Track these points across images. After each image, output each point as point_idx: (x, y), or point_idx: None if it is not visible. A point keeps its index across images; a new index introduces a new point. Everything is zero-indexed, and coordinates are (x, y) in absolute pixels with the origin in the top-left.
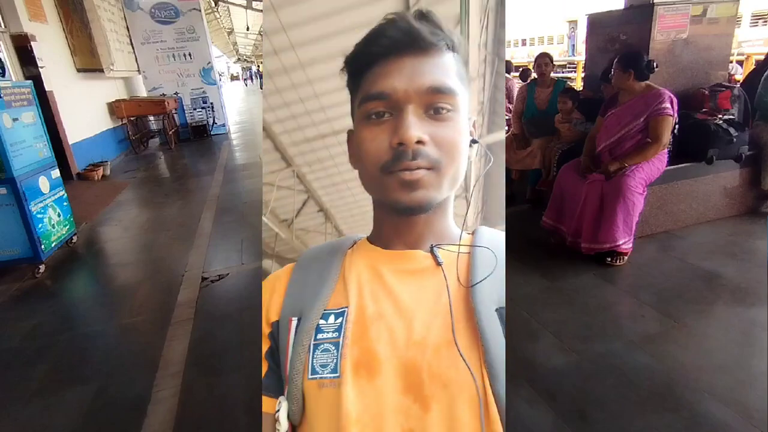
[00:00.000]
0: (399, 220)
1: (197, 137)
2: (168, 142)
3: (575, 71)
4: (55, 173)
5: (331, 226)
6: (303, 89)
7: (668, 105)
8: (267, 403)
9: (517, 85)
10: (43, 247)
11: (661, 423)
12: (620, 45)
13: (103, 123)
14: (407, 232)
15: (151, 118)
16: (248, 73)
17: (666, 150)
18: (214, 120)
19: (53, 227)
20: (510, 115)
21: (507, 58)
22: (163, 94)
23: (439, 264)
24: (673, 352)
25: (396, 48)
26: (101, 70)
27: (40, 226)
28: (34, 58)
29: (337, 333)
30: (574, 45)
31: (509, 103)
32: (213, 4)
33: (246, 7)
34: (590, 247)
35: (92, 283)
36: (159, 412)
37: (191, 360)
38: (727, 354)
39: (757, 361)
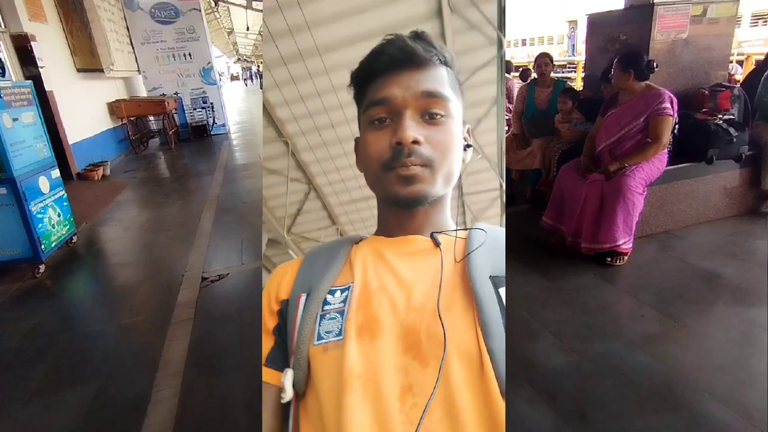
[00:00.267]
0: (400, 212)
1: (197, 137)
2: (168, 142)
3: (575, 71)
4: (55, 173)
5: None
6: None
7: (668, 105)
8: (270, 375)
9: (517, 85)
10: (43, 247)
11: (661, 423)
12: (620, 45)
13: (103, 123)
14: (408, 223)
15: (151, 118)
16: (248, 73)
17: (666, 150)
18: (214, 120)
19: (53, 227)
20: (510, 115)
21: (507, 58)
22: (163, 94)
23: (437, 245)
24: (673, 352)
25: (394, 63)
26: (101, 70)
27: (40, 226)
28: (34, 58)
29: (343, 303)
30: (574, 45)
31: (509, 103)
32: (213, 4)
33: (246, 7)
34: (590, 247)
35: (92, 283)
36: (159, 412)
37: (191, 360)
38: (727, 354)
39: (757, 361)
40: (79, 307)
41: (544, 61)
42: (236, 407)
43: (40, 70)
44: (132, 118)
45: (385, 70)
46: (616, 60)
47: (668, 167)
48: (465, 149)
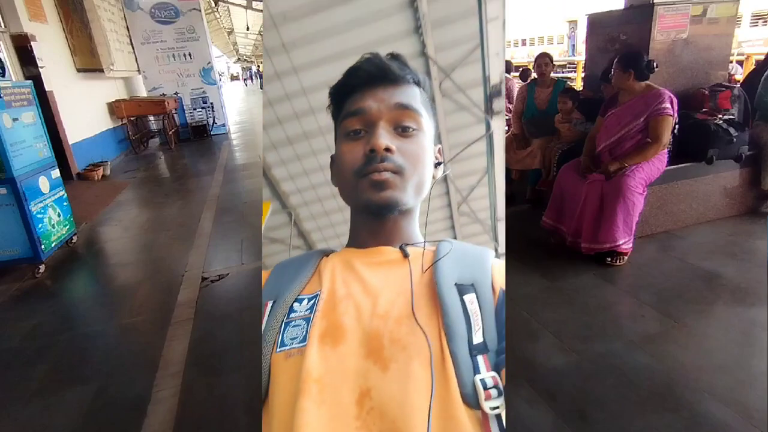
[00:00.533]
0: (372, 222)
1: (197, 137)
2: (168, 142)
3: (575, 71)
4: (55, 173)
5: None
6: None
7: (668, 105)
8: None
9: (517, 85)
10: (43, 247)
11: (661, 423)
12: (620, 45)
13: (103, 123)
14: (379, 233)
15: (151, 118)
16: (248, 73)
17: (666, 150)
18: (214, 120)
19: (53, 227)
20: (510, 115)
21: (507, 58)
22: (163, 94)
23: (406, 256)
24: (673, 352)
25: (371, 79)
26: (101, 70)
27: (40, 226)
28: (34, 58)
29: (309, 311)
30: (574, 45)
31: (509, 103)
32: (213, 4)
33: (246, 7)
34: (590, 247)
35: (92, 283)
36: (159, 412)
37: (191, 360)
38: (727, 354)
39: (757, 361)
40: (79, 307)
41: (544, 61)
42: (236, 407)
43: (40, 70)
44: (132, 118)
45: (361, 86)
46: (616, 60)
47: (668, 167)
48: (435, 166)
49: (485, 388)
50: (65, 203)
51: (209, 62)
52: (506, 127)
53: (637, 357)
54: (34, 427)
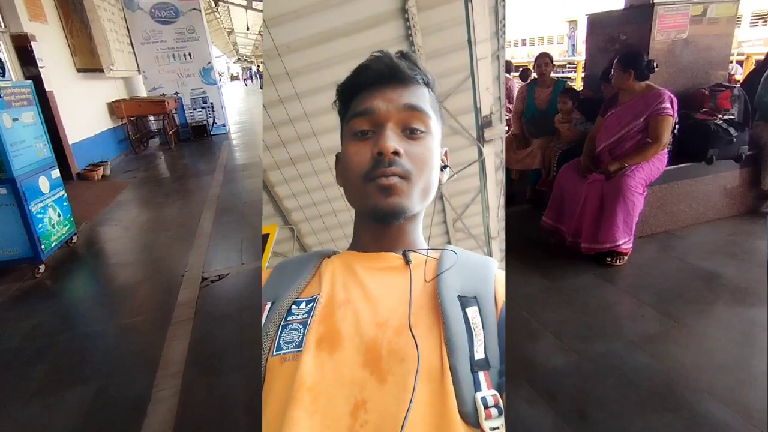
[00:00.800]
0: (376, 228)
1: (197, 137)
2: (168, 142)
3: (575, 71)
4: (55, 173)
5: None
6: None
7: (668, 105)
8: None
9: (517, 85)
10: (43, 247)
11: (661, 423)
12: (620, 45)
13: (103, 123)
14: (382, 239)
15: (151, 118)
16: (248, 73)
17: (666, 150)
18: (214, 120)
19: (53, 227)
20: (510, 115)
21: (507, 58)
22: (163, 94)
23: (408, 263)
24: (673, 352)
25: (379, 79)
26: (101, 70)
27: (40, 226)
28: (34, 58)
29: (306, 315)
30: (574, 45)
31: (509, 103)
32: (213, 4)
33: (246, 7)
34: (590, 247)
35: (92, 283)
36: (159, 412)
37: (191, 360)
38: (727, 354)
39: (757, 361)
40: (79, 307)
41: (544, 61)
42: (236, 407)
43: (40, 70)
44: (132, 118)
45: (370, 85)
46: (616, 60)
47: (668, 167)
48: (442, 170)
49: (486, 407)
50: (65, 203)
51: (209, 62)
52: (506, 127)
53: (637, 357)
54: (34, 427)
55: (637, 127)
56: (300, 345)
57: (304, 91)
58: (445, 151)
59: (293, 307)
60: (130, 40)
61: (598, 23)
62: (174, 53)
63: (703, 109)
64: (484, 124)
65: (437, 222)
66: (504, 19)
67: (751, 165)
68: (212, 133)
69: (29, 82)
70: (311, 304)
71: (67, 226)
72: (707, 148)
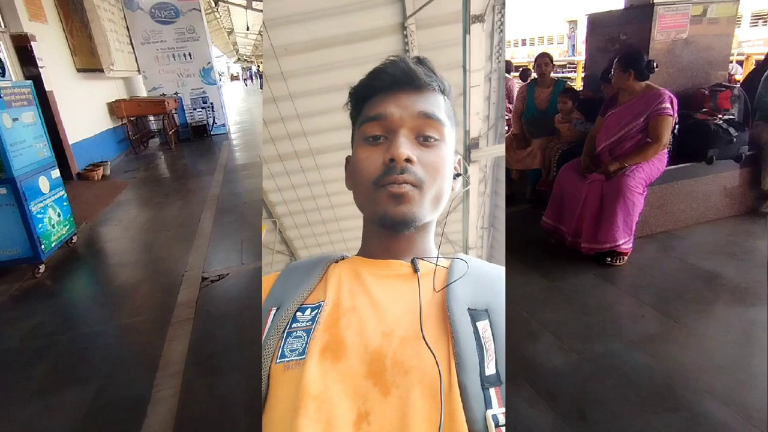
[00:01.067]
0: (386, 235)
1: (197, 137)
2: (168, 142)
3: (575, 71)
4: (55, 173)
5: None
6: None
7: (668, 105)
8: None
9: (517, 85)
10: (43, 247)
11: (661, 423)
12: (620, 45)
13: (103, 123)
14: (392, 246)
15: (151, 118)
16: (248, 73)
17: (666, 150)
18: (214, 120)
19: (53, 227)
20: (510, 115)
21: (507, 58)
22: (163, 94)
23: (416, 271)
24: (673, 352)
25: (395, 83)
26: (101, 70)
27: (40, 226)
28: (34, 58)
29: (310, 322)
30: (574, 45)
31: (509, 103)
32: (213, 4)
33: (246, 7)
34: (590, 247)
35: (92, 283)
36: (159, 412)
37: (191, 360)
38: (727, 354)
39: (757, 361)
40: (79, 307)
41: (544, 61)
42: (236, 407)
43: (40, 70)
44: (132, 118)
45: (384, 89)
46: (616, 60)
47: (668, 167)
48: (455, 178)
49: (497, 425)
50: (65, 203)
51: (209, 62)
52: (506, 127)
53: (637, 357)
54: (34, 427)
55: (637, 127)
56: (303, 353)
57: (313, 89)
58: (459, 159)
59: (298, 314)
60: (130, 40)
61: (598, 23)
62: (174, 53)
63: (703, 109)
64: (471, 146)
65: None
66: (501, 42)
67: (751, 165)
68: (212, 133)
69: (29, 82)
70: (316, 311)
71: (67, 226)
72: (707, 148)
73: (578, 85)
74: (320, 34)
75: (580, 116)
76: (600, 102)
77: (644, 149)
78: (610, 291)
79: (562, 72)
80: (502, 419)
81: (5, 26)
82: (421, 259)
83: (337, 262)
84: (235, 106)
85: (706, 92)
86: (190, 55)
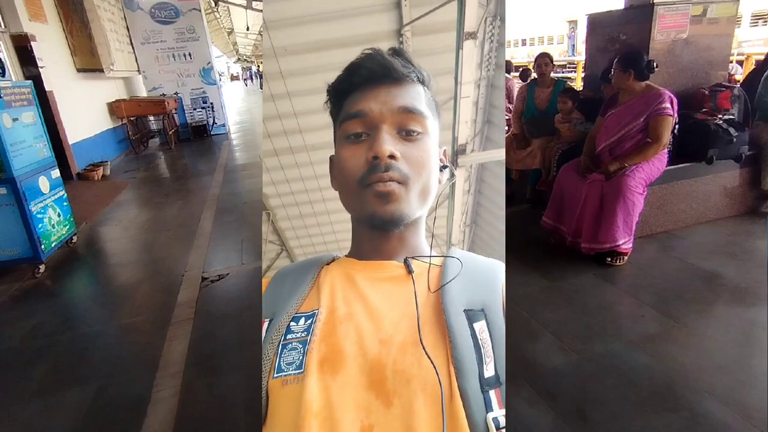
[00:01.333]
0: (375, 235)
1: (197, 137)
2: (168, 142)
3: (575, 71)
4: (55, 173)
5: None
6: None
7: (668, 105)
8: None
9: (517, 85)
10: (43, 247)
11: (661, 423)
12: (620, 45)
13: (103, 123)
14: (382, 246)
15: (151, 118)
16: (248, 73)
17: (666, 150)
18: (214, 120)
19: (53, 227)
20: (510, 115)
21: (507, 58)
22: (163, 94)
23: (410, 273)
24: (673, 352)
25: (372, 78)
26: (101, 70)
27: (40, 226)
28: (34, 58)
29: (306, 332)
30: (574, 45)
31: (509, 103)
32: (213, 4)
33: (246, 7)
34: (590, 247)
35: (92, 283)
36: (159, 412)
37: (191, 360)
38: (727, 354)
39: (757, 361)
40: (79, 307)
41: (544, 61)
42: (236, 407)
43: (40, 70)
44: (132, 118)
45: (362, 84)
46: (616, 60)
47: (668, 167)
48: (441, 170)
49: (497, 428)
50: (65, 203)
51: (209, 62)
52: (506, 127)
53: (637, 357)
54: (34, 427)
55: (637, 127)
56: (300, 366)
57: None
58: (444, 150)
59: (292, 324)
60: (130, 40)
61: (598, 23)
62: (174, 53)
63: (703, 109)
64: (459, 151)
65: None
66: (492, 51)
67: (751, 165)
68: (212, 133)
69: (29, 82)
70: (311, 320)
71: (67, 226)
72: (707, 148)
73: (578, 85)
74: (320, 36)
75: (580, 116)
76: (600, 102)
77: (644, 149)
78: (610, 291)
79: (562, 72)
80: (502, 421)
81: (5, 26)
82: (414, 258)
83: (328, 264)
84: (235, 106)
85: (706, 92)
86: (190, 55)
